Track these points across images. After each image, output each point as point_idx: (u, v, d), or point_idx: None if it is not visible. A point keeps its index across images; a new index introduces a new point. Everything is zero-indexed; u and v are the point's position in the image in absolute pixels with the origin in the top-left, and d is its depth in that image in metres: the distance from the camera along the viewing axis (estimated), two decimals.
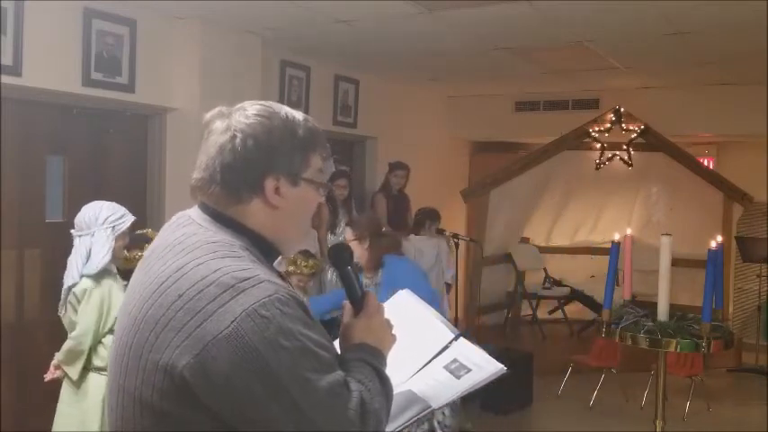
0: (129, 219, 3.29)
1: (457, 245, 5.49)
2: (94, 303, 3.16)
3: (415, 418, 1.39)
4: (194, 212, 1.36)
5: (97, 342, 3.20)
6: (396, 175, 6.46)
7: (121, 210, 3.29)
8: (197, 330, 1.15)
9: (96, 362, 3.20)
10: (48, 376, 3.32)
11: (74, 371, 3.21)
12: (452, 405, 1.43)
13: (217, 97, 4.76)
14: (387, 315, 1.48)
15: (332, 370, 1.21)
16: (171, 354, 1.17)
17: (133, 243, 3.40)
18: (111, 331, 3.17)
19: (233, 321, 1.14)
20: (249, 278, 1.19)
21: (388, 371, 1.39)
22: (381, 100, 7.03)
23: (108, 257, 3.20)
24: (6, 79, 3.82)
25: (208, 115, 1.36)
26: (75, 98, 4.32)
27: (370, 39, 5.34)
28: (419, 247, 5.88)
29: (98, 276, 3.19)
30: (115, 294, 3.21)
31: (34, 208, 4.33)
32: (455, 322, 5.03)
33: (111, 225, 3.22)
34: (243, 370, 1.13)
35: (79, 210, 3.28)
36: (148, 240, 3.33)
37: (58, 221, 4.36)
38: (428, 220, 5.94)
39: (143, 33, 4.57)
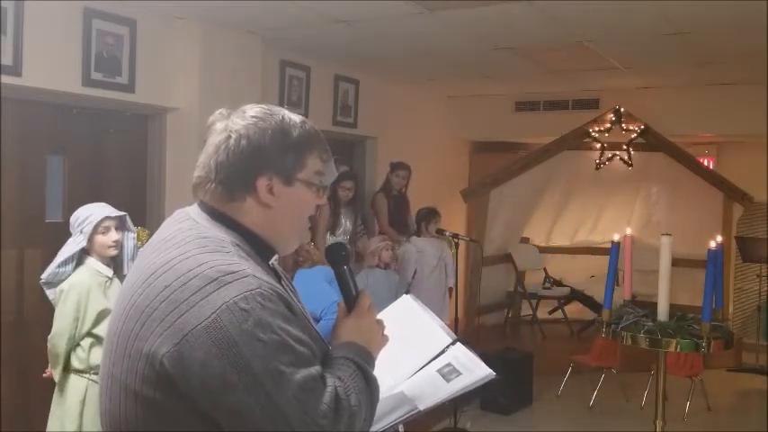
0: (97, 217, 3.18)
1: (457, 245, 5.48)
2: (70, 306, 3.13)
3: (402, 419, 1.40)
4: (192, 209, 1.41)
5: (75, 345, 3.16)
6: (397, 176, 6.46)
7: (89, 210, 3.22)
8: (178, 320, 1.20)
9: (75, 364, 3.17)
10: (46, 373, 3.33)
11: (55, 373, 3.20)
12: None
13: (217, 97, 4.78)
14: (386, 318, 1.50)
15: (309, 365, 1.23)
16: (153, 342, 1.21)
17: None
18: (89, 334, 3.15)
19: (213, 313, 1.18)
20: (234, 272, 1.23)
21: (384, 372, 1.41)
22: (381, 100, 7.03)
23: (62, 264, 3.17)
24: (6, 79, 3.82)
25: (211, 117, 1.41)
26: (75, 98, 4.32)
27: (370, 39, 5.34)
28: (421, 247, 5.89)
29: (78, 278, 3.17)
30: (95, 297, 3.16)
31: (34, 208, 4.33)
32: (455, 323, 5.02)
33: (80, 229, 3.19)
34: (219, 360, 1.17)
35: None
36: None
37: (57, 221, 4.36)
38: (424, 221, 5.93)
39: (143, 33, 4.57)
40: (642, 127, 7.25)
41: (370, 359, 1.37)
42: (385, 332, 1.46)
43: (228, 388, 1.17)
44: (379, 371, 1.39)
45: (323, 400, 1.21)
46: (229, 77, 4.94)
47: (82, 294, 3.14)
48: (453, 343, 1.52)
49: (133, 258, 3.29)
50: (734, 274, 7.41)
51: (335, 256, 1.49)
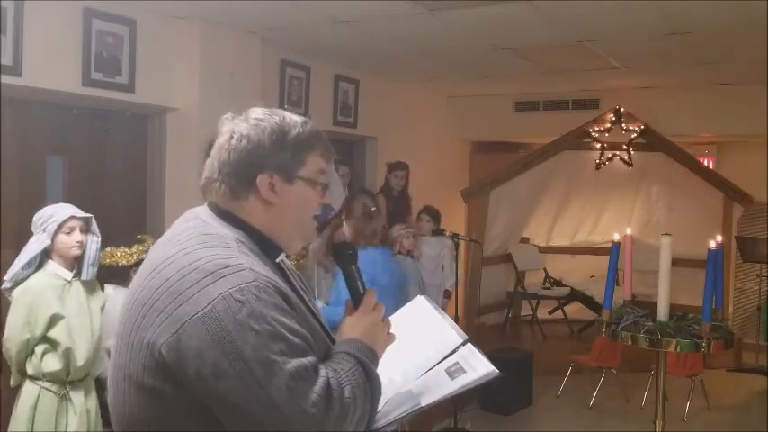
0: (62, 216, 3.10)
1: (457, 245, 5.47)
2: (20, 310, 3.03)
3: (404, 415, 1.41)
4: (201, 209, 1.46)
5: (29, 351, 3.05)
6: (396, 176, 6.43)
7: (53, 209, 3.14)
8: (176, 311, 1.25)
9: (29, 370, 3.06)
10: None
11: (12, 377, 3.11)
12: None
13: (217, 97, 4.78)
14: (400, 318, 1.54)
15: (302, 355, 1.25)
16: (154, 332, 1.26)
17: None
18: (44, 339, 3.04)
19: (209, 303, 1.23)
20: (231, 266, 1.28)
21: (395, 371, 1.43)
22: (381, 100, 7.03)
23: (26, 266, 3.08)
24: (6, 79, 3.82)
25: (219, 123, 1.47)
26: (75, 98, 4.32)
27: (370, 39, 5.34)
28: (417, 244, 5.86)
29: (32, 282, 3.07)
30: (48, 301, 3.04)
31: (34, 208, 4.30)
32: (455, 322, 5.01)
33: (42, 228, 3.10)
34: (212, 348, 1.21)
35: None
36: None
37: None
38: (422, 213, 5.88)
39: (143, 33, 4.57)
40: (642, 127, 7.25)
41: (372, 356, 1.38)
42: (391, 331, 1.48)
43: (221, 376, 1.21)
44: (390, 370, 1.41)
45: (314, 390, 1.23)
46: (229, 77, 4.93)
47: (34, 298, 3.03)
48: (464, 343, 1.53)
49: (94, 263, 3.20)
50: (734, 274, 7.40)
51: (342, 255, 1.52)
